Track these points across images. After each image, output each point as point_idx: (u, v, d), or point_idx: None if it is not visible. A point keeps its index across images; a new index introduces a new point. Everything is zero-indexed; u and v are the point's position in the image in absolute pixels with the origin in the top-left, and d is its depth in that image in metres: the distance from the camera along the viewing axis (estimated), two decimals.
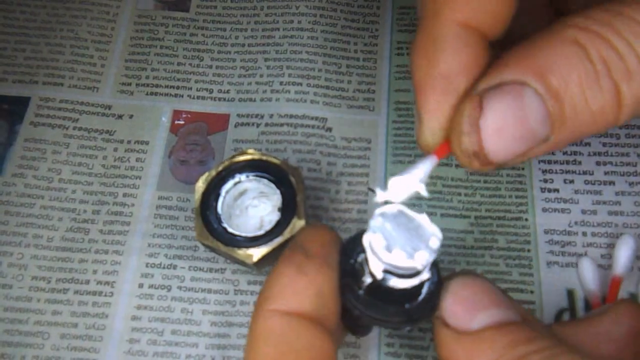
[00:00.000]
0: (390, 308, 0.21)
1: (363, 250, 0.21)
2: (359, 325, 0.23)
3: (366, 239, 0.21)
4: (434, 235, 0.20)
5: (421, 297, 0.21)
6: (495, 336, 0.19)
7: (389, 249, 0.20)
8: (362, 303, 0.21)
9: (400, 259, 0.20)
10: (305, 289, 0.20)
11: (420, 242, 0.20)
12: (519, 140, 0.19)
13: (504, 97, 0.19)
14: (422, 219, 0.21)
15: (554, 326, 0.24)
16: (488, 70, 0.20)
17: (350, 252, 0.22)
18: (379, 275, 0.20)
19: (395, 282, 0.20)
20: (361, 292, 0.21)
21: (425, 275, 0.21)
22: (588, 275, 0.31)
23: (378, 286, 0.21)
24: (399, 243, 0.20)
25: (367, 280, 0.21)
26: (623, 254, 0.31)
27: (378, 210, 0.21)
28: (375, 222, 0.21)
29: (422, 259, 0.20)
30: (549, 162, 0.35)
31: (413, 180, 0.21)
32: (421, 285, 0.21)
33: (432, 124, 0.21)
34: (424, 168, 0.21)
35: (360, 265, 0.21)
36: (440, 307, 0.21)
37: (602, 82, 0.19)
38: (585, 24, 0.19)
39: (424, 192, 0.21)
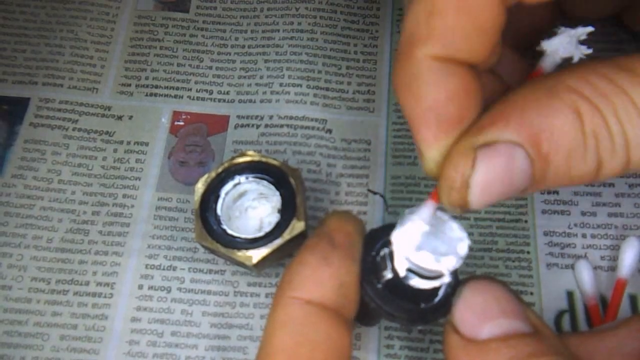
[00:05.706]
0: (407, 305, 0.21)
1: (387, 245, 0.21)
2: (368, 316, 0.23)
3: (395, 237, 0.21)
4: (463, 242, 0.21)
5: (437, 299, 0.21)
6: (500, 349, 0.19)
7: (417, 249, 0.20)
8: (380, 297, 0.21)
9: (427, 262, 0.20)
10: (329, 279, 0.21)
11: (447, 246, 0.20)
12: (499, 194, 0.20)
13: (497, 158, 0.19)
14: (453, 223, 0.21)
15: (566, 337, 0.24)
16: (485, 119, 0.20)
17: (372, 244, 0.22)
18: (402, 273, 0.21)
19: (417, 282, 0.21)
20: (379, 285, 0.21)
21: (447, 278, 0.21)
22: (585, 277, 0.31)
23: (397, 283, 0.21)
24: (426, 245, 0.20)
25: (388, 275, 0.21)
26: (629, 256, 0.31)
27: (408, 210, 0.21)
28: (405, 221, 0.21)
29: (448, 264, 0.20)
30: None
31: (417, 227, 0.21)
32: (440, 287, 0.21)
33: (432, 154, 0.21)
34: (424, 213, 0.21)
35: (382, 259, 0.22)
36: (451, 311, 0.21)
37: (587, 156, 0.20)
38: (586, 92, 0.19)
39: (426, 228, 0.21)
